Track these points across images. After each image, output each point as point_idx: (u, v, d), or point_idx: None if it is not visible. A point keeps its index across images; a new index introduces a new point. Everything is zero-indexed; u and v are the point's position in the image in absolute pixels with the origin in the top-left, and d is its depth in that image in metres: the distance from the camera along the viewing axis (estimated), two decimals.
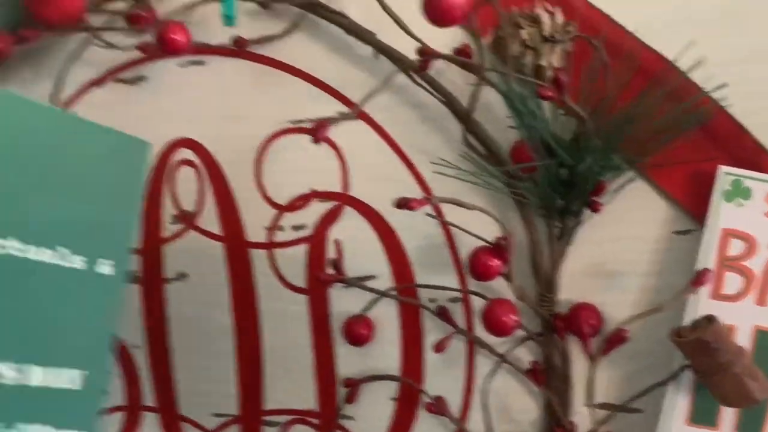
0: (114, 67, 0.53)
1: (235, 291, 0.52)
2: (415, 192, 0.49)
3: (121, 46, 0.51)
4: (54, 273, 0.36)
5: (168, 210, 0.53)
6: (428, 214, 0.47)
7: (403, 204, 0.41)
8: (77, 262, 0.37)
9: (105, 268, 0.38)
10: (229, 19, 0.45)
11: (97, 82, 0.54)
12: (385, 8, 0.44)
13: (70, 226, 0.37)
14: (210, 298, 0.52)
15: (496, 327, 0.43)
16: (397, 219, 0.49)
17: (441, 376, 0.49)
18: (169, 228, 0.52)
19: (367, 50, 0.48)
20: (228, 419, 0.52)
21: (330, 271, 0.50)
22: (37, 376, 0.36)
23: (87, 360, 0.38)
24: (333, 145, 0.50)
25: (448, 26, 0.39)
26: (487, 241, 0.44)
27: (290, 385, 0.51)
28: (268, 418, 0.52)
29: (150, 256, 0.52)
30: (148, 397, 0.53)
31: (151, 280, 0.52)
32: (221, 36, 0.50)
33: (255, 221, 0.52)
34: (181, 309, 0.52)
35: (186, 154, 0.53)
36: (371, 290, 0.49)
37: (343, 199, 0.50)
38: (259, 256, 0.52)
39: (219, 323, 0.52)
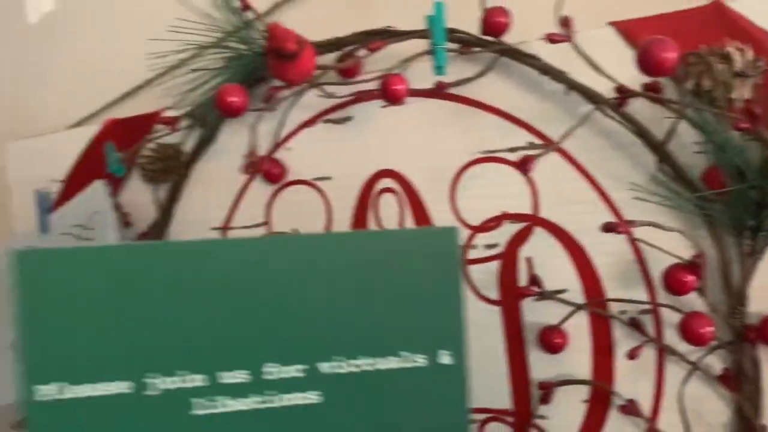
0: (324, 109, 0.62)
1: None
2: (604, 213, 0.53)
3: (337, 95, 0.59)
4: (401, 375, 0.41)
5: None
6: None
7: (611, 228, 0.46)
8: (419, 360, 0.41)
9: (445, 358, 0.42)
10: (440, 69, 0.51)
11: (309, 123, 0.63)
12: (580, 52, 0.49)
13: (406, 330, 0.42)
14: None
15: (694, 338, 0.47)
16: (586, 238, 0.54)
17: (630, 382, 0.53)
18: None
19: (556, 85, 0.54)
20: None
21: (525, 284, 0.56)
22: None
23: None
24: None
25: (660, 77, 0.44)
26: (682, 259, 0.48)
27: (486, 386, 0.57)
28: None
29: None
30: None
31: None
32: (423, 80, 0.57)
33: None
34: None
35: (387, 183, 0.60)
36: (568, 303, 0.54)
37: (533, 220, 0.56)
38: None
39: None
